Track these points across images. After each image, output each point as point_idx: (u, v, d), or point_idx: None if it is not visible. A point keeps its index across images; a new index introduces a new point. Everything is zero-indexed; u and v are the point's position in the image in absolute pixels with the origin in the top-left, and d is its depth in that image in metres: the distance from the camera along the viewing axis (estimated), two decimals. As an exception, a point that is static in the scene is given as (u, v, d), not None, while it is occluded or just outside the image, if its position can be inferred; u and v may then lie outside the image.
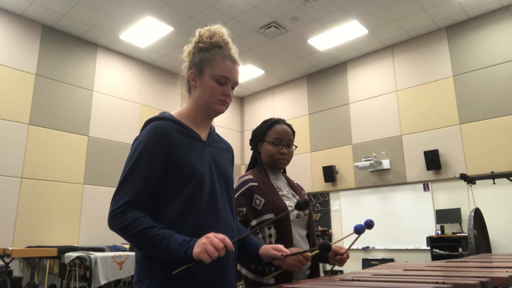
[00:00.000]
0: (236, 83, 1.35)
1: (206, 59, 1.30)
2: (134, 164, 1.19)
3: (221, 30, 1.36)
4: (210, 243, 1.05)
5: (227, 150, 1.44)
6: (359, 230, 1.55)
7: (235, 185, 1.69)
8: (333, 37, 7.25)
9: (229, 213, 1.31)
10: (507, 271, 1.27)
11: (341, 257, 1.61)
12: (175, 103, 8.30)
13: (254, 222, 1.60)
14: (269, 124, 1.79)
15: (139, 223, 1.11)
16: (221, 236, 1.08)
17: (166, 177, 1.21)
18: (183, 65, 1.38)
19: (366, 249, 7.28)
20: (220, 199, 1.28)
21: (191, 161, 1.23)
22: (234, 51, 1.37)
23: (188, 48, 1.36)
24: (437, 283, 1.02)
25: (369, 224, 1.56)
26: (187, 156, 1.23)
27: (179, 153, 1.22)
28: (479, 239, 4.50)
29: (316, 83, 8.73)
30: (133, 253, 5.55)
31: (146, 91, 8.01)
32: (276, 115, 1.89)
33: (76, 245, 6.18)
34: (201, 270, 1.16)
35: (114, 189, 1.21)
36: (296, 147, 1.84)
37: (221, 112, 1.33)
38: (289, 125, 1.82)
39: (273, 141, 1.75)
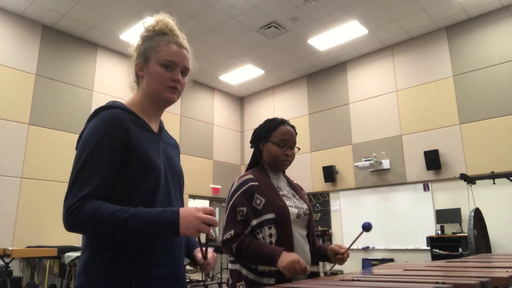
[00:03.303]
0: (186, 69, 1.27)
1: (150, 47, 1.24)
2: (89, 156, 1.08)
3: (166, 18, 1.31)
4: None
5: (175, 146, 1.39)
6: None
7: (236, 184, 1.69)
8: (333, 37, 7.25)
9: None
10: (507, 271, 1.27)
11: (341, 257, 1.61)
12: (175, 103, 8.30)
13: (254, 222, 1.60)
14: (275, 124, 1.77)
15: (103, 210, 1.01)
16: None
17: (121, 171, 1.12)
18: (131, 60, 1.32)
19: (366, 249, 7.28)
20: (173, 195, 1.23)
21: (148, 153, 1.16)
22: (181, 37, 1.29)
23: (135, 43, 1.31)
24: (437, 283, 1.02)
25: (366, 227, 1.57)
26: (144, 148, 1.16)
27: (136, 145, 1.14)
28: (479, 239, 4.50)
29: (316, 83, 8.73)
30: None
31: (146, 91, 8.00)
32: (276, 115, 1.88)
33: (76, 245, 6.18)
34: (154, 271, 1.11)
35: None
36: (299, 149, 1.83)
37: (172, 100, 1.26)
38: (293, 126, 1.81)
39: (278, 142, 1.73)
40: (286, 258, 1.46)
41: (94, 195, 1.05)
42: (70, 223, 1.02)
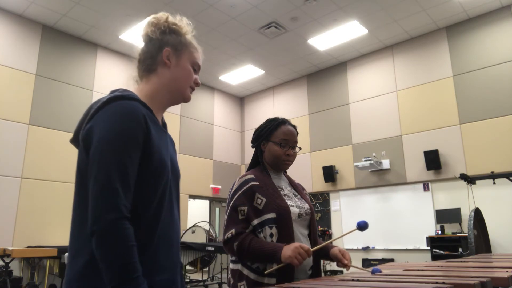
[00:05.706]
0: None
1: (182, 43, 1.23)
2: (121, 155, 0.98)
3: (185, 22, 1.28)
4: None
5: (173, 142, 1.32)
6: (361, 226, 1.58)
7: (237, 184, 1.69)
8: (333, 37, 7.25)
9: (178, 214, 1.20)
10: (507, 271, 1.27)
11: (343, 266, 1.63)
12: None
13: (255, 222, 1.60)
14: (276, 124, 1.77)
15: (132, 253, 0.95)
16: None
17: (138, 173, 1.04)
18: (145, 37, 1.27)
19: (366, 249, 7.28)
20: (174, 197, 1.17)
21: (162, 153, 1.09)
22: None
23: (152, 26, 1.24)
24: (437, 283, 1.02)
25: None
26: (159, 148, 1.09)
27: (154, 145, 1.07)
28: (479, 239, 4.50)
29: (316, 83, 8.73)
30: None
31: (146, 91, 8.00)
32: (276, 115, 1.88)
33: (76, 245, 6.18)
34: (157, 278, 1.06)
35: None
36: (300, 149, 1.84)
37: (188, 100, 1.25)
38: (294, 126, 1.82)
39: (280, 141, 1.73)
40: (288, 248, 1.48)
41: (128, 204, 0.99)
42: (104, 236, 0.94)
